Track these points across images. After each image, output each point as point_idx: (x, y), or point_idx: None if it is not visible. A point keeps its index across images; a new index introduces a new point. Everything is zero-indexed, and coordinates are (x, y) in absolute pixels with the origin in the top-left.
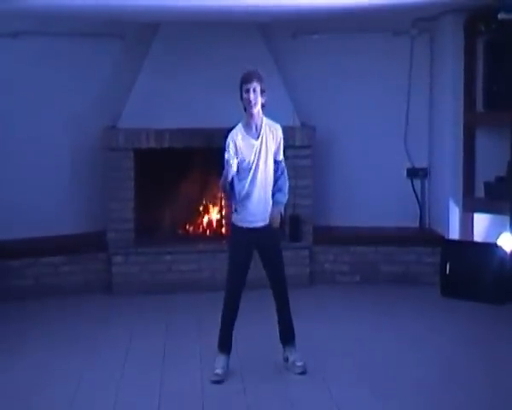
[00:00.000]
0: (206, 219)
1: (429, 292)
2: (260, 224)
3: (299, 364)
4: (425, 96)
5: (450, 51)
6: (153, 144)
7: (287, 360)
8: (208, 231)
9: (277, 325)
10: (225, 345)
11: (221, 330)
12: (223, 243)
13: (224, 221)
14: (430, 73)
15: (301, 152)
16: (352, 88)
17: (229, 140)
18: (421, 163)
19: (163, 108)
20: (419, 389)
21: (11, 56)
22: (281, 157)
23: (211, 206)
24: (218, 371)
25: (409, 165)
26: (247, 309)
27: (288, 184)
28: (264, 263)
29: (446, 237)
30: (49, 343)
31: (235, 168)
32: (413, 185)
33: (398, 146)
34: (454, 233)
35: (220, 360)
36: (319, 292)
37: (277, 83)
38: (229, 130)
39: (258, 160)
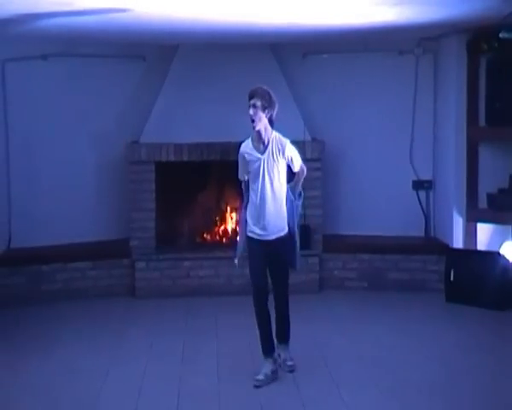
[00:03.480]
0: (222, 228)
1: (434, 298)
2: (271, 237)
3: (289, 363)
4: (429, 111)
5: (453, 69)
6: (172, 158)
7: (279, 356)
8: (224, 239)
9: (275, 324)
10: (266, 349)
11: (260, 335)
12: None
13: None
14: (434, 89)
15: (311, 165)
16: (359, 104)
17: (239, 156)
18: (426, 175)
19: (182, 123)
20: (424, 392)
21: (41, 77)
22: (296, 168)
23: (227, 215)
24: (259, 376)
25: (414, 177)
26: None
27: (301, 179)
28: (272, 271)
29: (450, 246)
30: (76, 342)
31: (247, 177)
32: (418, 197)
33: (404, 159)
34: (458, 242)
35: (264, 365)
36: (328, 298)
37: (289, 100)
38: (240, 143)
39: (263, 174)
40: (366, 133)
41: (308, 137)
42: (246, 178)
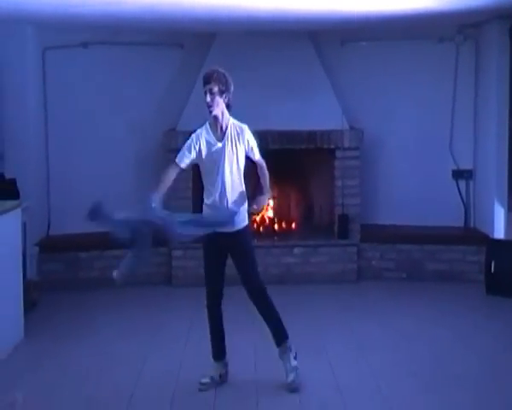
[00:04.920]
0: (258, 217)
1: (474, 290)
2: (233, 228)
3: (289, 380)
4: (470, 99)
5: (495, 56)
6: None
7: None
8: (261, 228)
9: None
10: (217, 354)
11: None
12: (275, 239)
13: (275, 219)
14: (475, 77)
15: (349, 153)
16: (398, 93)
17: (193, 138)
18: (466, 165)
19: None
20: (464, 385)
21: (81, 65)
22: (257, 156)
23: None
24: (205, 379)
25: (454, 167)
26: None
27: (267, 179)
28: (237, 265)
29: (491, 237)
30: (113, 329)
31: (183, 165)
32: (458, 186)
33: (444, 148)
34: (499, 233)
35: (213, 367)
36: (366, 288)
37: (327, 88)
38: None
39: (223, 162)
40: (405, 122)
41: (346, 126)
42: (184, 165)
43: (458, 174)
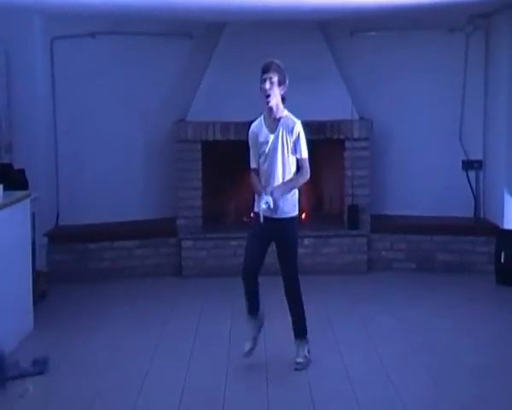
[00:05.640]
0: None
1: (484, 280)
2: (275, 216)
3: (297, 360)
4: (480, 90)
5: (505, 47)
6: (219, 136)
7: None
8: None
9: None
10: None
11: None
12: None
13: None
14: (485, 67)
15: (359, 144)
16: (408, 83)
17: (251, 138)
18: (475, 155)
19: (228, 102)
20: (474, 376)
21: (89, 55)
22: (302, 155)
23: None
24: (247, 346)
25: (464, 157)
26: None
27: (300, 181)
28: (277, 254)
29: (501, 227)
30: (123, 320)
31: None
32: (468, 177)
33: (454, 139)
34: (509, 223)
35: (249, 325)
36: (376, 278)
37: (336, 78)
38: (252, 121)
39: (273, 153)
40: (415, 112)
41: (356, 117)
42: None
43: (468, 165)
